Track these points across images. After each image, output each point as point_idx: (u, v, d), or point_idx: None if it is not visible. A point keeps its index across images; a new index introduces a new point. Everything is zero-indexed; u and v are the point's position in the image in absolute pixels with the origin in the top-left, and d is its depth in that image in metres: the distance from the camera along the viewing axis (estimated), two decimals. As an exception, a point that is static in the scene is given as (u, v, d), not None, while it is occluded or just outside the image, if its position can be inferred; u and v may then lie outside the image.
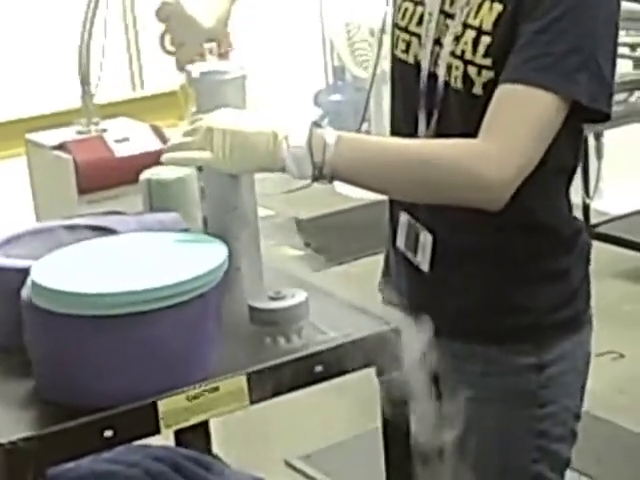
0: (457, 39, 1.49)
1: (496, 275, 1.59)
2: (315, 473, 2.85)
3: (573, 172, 1.62)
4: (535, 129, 1.42)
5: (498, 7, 1.45)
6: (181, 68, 1.61)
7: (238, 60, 1.60)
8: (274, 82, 4.18)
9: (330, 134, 1.42)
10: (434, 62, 1.54)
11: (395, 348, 1.43)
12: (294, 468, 2.87)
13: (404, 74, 1.62)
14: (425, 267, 1.62)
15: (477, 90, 1.48)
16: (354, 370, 1.41)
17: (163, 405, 1.28)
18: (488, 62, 1.46)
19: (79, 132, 3.64)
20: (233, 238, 1.47)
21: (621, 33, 3.50)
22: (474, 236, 1.57)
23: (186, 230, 1.49)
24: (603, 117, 1.47)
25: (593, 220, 3.89)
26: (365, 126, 5.13)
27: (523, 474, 1.63)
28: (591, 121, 1.52)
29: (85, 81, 3.72)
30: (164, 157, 1.44)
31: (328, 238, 4.15)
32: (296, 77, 4.76)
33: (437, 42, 1.53)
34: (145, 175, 1.67)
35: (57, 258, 1.38)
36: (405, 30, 1.58)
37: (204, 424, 1.83)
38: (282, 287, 1.46)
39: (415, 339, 1.50)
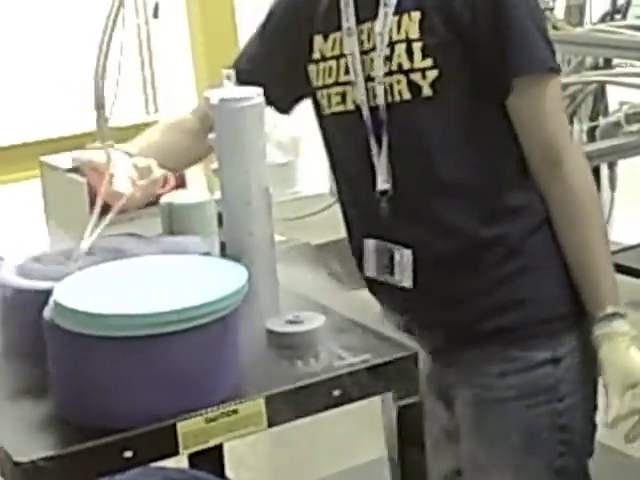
0: (389, 59, 1.57)
1: (494, 272, 1.62)
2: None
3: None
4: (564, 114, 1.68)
5: (416, 15, 1.55)
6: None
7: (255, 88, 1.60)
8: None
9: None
10: (373, 95, 1.61)
11: (413, 374, 1.44)
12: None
13: (344, 124, 1.67)
14: (408, 283, 1.64)
15: (427, 92, 1.55)
16: (372, 395, 1.42)
17: (182, 427, 1.28)
18: (429, 63, 1.54)
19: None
20: (250, 263, 1.47)
21: (635, 68, 3.54)
22: (460, 237, 1.61)
23: (206, 254, 1.50)
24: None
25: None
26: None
27: (549, 469, 1.64)
28: None
29: (100, 105, 3.74)
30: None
31: (342, 263, 4.15)
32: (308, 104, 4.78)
33: (369, 79, 1.61)
34: (165, 199, 1.68)
35: (79, 280, 1.39)
36: (335, 84, 1.65)
37: (218, 447, 1.83)
38: (300, 311, 1.47)
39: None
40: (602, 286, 1.58)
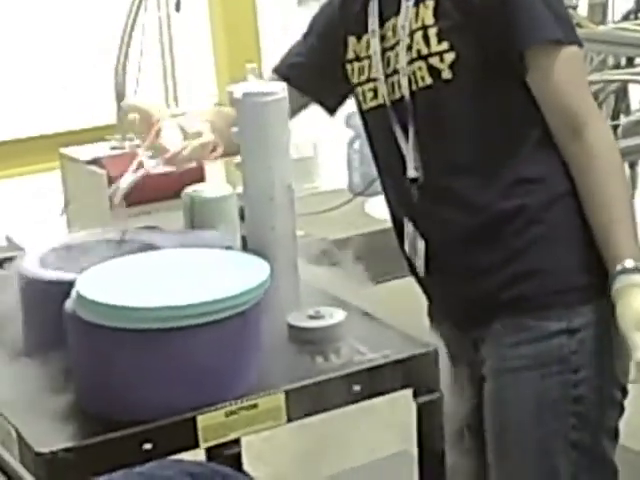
0: (410, 48, 1.63)
1: (508, 245, 1.64)
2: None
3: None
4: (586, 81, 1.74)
5: (431, 3, 1.61)
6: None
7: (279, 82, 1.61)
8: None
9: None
10: (398, 87, 1.67)
11: (433, 370, 1.44)
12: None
13: (378, 117, 1.74)
14: (421, 271, 1.73)
15: (446, 75, 1.60)
16: (391, 391, 1.42)
17: (202, 420, 1.29)
18: (445, 46, 1.59)
19: (113, 148, 3.67)
20: (272, 257, 1.47)
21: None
22: (482, 212, 1.65)
23: (228, 248, 1.51)
24: None
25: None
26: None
27: (564, 442, 1.65)
28: None
29: (120, 98, 3.75)
30: None
31: (360, 259, 4.16)
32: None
33: (395, 72, 1.68)
34: (187, 192, 1.69)
35: (102, 272, 1.40)
36: (367, 81, 1.72)
37: (236, 441, 1.84)
38: (320, 306, 1.47)
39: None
40: (623, 242, 1.58)
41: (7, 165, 3.85)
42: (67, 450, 1.23)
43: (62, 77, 4.59)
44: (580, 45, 1.64)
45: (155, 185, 3.46)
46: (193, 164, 3.44)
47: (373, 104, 1.74)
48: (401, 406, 1.48)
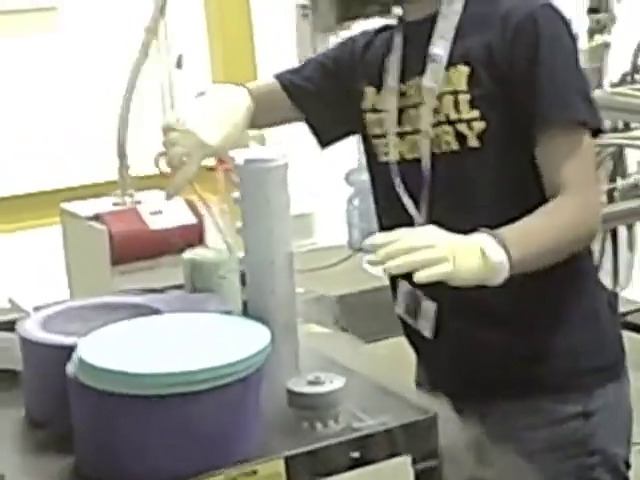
0: (437, 111, 1.59)
1: (524, 319, 1.62)
2: None
3: None
4: (593, 166, 1.60)
5: (465, 69, 1.58)
6: (173, 194, 1.67)
7: (279, 148, 1.63)
8: (307, 161, 4.24)
9: (505, 235, 1.48)
10: (416, 147, 1.64)
11: (432, 436, 1.44)
12: None
13: (389, 175, 1.69)
14: (428, 334, 1.66)
15: (473, 143, 1.57)
16: (390, 457, 1.42)
17: (202, 486, 1.29)
18: (476, 114, 1.56)
19: (115, 204, 3.69)
20: (271, 321, 1.48)
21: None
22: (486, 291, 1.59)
23: (228, 312, 1.52)
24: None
25: (622, 309, 3.87)
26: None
27: None
28: None
29: (122, 153, 3.78)
30: (419, 275, 1.42)
31: (357, 316, 4.17)
32: (328, 156, 4.81)
33: (415, 131, 1.64)
34: (188, 255, 1.70)
35: (103, 336, 1.41)
36: (383, 136, 1.69)
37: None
38: (320, 371, 1.48)
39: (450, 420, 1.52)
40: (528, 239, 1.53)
41: (8, 220, 3.86)
42: (66, 516, 1.24)
43: (63, 133, 4.62)
44: (602, 131, 1.62)
45: (151, 241, 3.51)
46: (194, 221, 3.45)
47: (384, 160, 1.71)
48: (400, 472, 1.49)
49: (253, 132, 1.62)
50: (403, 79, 1.66)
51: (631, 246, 3.48)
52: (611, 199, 3.13)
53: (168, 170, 1.67)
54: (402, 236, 1.43)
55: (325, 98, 1.77)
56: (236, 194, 1.54)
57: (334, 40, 4.93)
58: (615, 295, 1.72)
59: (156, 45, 4.43)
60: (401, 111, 1.66)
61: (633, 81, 3.42)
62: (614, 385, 1.62)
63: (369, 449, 1.40)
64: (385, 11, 1.74)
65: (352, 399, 1.46)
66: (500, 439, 1.61)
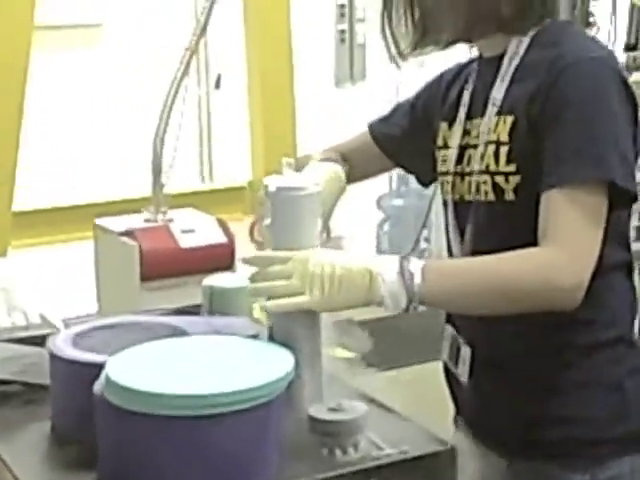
0: (482, 157, 1.56)
1: (540, 384, 1.56)
2: None
3: (627, 269, 1.60)
4: (588, 223, 1.46)
5: (510, 119, 1.53)
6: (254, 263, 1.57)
7: (311, 175, 1.63)
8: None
9: (417, 266, 1.46)
10: (468, 190, 1.60)
11: (449, 468, 1.45)
12: None
13: (449, 213, 1.68)
14: (464, 378, 1.64)
15: (509, 196, 1.53)
16: (408, 487, 1.44)
17: (222, 508, 1.31)
18: (512, 168, 1.52)
19: (147, 220, 3.72)
20: (296, 348, 1.49)
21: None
22: (514, 344, 1.57)
23: (254, 336, 1.53)
24: (632, 199, 1.50)
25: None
26: (425, 233, 5.18)
27: None
28: (622, 206, 1.52)
29: (157, 171, 3.82)
30: (270, 305, 1.46)
31: (380, 342, 4.17)
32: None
33: (469, 173, 1.60)
34: (207, 282, 1.72)
35: (131, 356, 1.43)
36: (446, 173, 1.65)
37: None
38: (341, 398, 1.49)
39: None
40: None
41: (40, 233, 3.91)
42: (88, 532, 1.26)
43: (100, 148, 4.67)
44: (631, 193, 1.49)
45: (181, 259, 3.54)
46: (225, 241, 3.46)
47: (448, 198, 1.67)
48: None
49: (287, 159, 1.63)
50: (470, 116, 1.63)
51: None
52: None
53: (260, 239, 1.68)
54: (275, 260, 1.47)
55: (416, 144, 1.74)
56: (267, 221, 1.56)
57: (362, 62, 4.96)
58: None
59: (196, 64, 4.49)
60: (464, 149, 1.62)
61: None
62: (632, 455, 1.56)
63: (388, 478, 1.41)
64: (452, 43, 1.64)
65: (373, 427, 1.47)
66: None
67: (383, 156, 1.80)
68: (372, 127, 1.82)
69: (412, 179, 6.07)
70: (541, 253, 1.46)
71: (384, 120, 1.82)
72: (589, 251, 1.46)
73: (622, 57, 3.59)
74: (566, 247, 1.44)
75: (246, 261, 1.52)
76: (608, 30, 3.52)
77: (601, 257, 1.48)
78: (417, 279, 1.44)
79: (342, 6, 4.96)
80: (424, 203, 4.79)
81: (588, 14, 3.23)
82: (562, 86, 1.48)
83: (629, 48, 3.71)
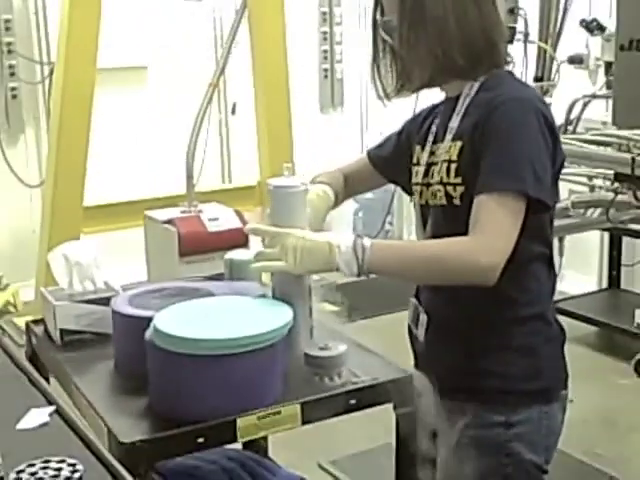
0: (439, 171, 1.53)
1: (473, 344, 1.52)
2: (340, 474, 2.84)
3: (546, 261, 1.55)
4: (505, 220, 1.42)
5: (459, 143, 1.51)
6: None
7: (302, 178, 1.61)
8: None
9: (366, 242, 1.44)
10: (430, 196, 1.56)
11: (408, 390, 1.46)
12: (325, 470, 2.87)
13: (417, 213, 1.65)
14: (421, 339, 1.60)
15: (457, 202, 1.50)
16: (378, 404, 1.45)
17: (240, 422, 1.32)
18: (459, 180, 1.49)
19: (183, 212, 3.72)
20: (293, 303, 1.48)
21: (581, 169, 3.52)
22: (456, 314, 1.53)
23: (262, 296, 1.52)
24: (545, 207, 1.47)
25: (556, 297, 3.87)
26: (389, 218, 5.17)
27: None
28: (538, 211, 1.47)
29: (189, 174, 3.81)
30: (255, 267, 1.46)
31: (358, 298, 4.18)
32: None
33: (431, 184, 1.56)
34: (227, 255, 1.71)
35: (173, 311, 1.43)
36: (416, 184, 1.62)
37: (264, 437, 1.84)
38: (328, 340, 1.49)
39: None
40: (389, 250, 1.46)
41: (104, 222, 3.89)
42: (143, 441, 1.26)
43: (147, 159, 4.65)
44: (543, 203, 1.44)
45: (209, 240, 3.55)
46: (241, 226, 3.43)
47: (417, 202, 1.63)
48: (385, 415, 1.50)
49: (286, 164, 1.60)
50: (435, 141, 1.59)
51: (561, 252, 3.48)
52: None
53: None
54: (266, 233, 1.48)
55: (401, 164, 1.69)
56: (267, 210, 1.55)
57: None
58: (562, 330, 1.58)
59: (217, 96, 4.47)
60: (430, 166, 1.59)
61: (566, 132, 3.42)
62: (540, 406, 1.50)
63: (363, 398, 1.42)
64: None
65: (351, 361, 1.48)
66: (447, 429, 1.56)
67: (376, 175, 1.76)
68: (369, 153, 1.78)
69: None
70: (467, 240, 1.43)
71: (378, 147, 1.78)
72: (504, 240, 1.42)
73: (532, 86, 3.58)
74: (486, 236, 1.41)
75: (248, 230, 1.51)
76: (520, 70, 3.51)
77: (523, 250, 1.46)
78: (367, 251, 1.43)
79: (325, 51, 4.95)
80: (388, 196, 4.78)
81: (507, 55, 3.26)
82: (494, 119, 1.45)
83: (537, 79, 3.71)
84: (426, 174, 1.59)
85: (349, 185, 1.75)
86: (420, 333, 1.59)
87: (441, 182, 1.52)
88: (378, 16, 1.57)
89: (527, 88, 1.56)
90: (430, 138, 1.60)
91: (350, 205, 5.10)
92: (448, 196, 1.51)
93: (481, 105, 1.50)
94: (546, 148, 1.47)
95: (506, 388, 1.50)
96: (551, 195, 1.48)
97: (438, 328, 1.56)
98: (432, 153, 1.59)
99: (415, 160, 1.64)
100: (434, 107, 1.67)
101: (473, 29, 1.51)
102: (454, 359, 1.53)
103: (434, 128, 1.61)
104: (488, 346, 1.51)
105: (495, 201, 1.42)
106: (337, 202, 1.72)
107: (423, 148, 1.62)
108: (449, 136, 1.54)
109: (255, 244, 1.63)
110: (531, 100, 1.49)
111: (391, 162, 1.74)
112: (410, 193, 1.71)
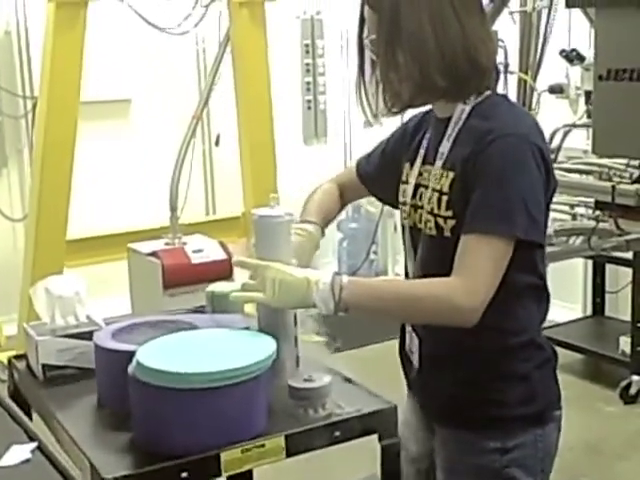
0: (429, 200, 1.52)
1: (466, 373, 1.52)
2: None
3: (537, 290, 1.54)
4: (490, 263, 1.41)
5: (451, 174, 1.47)
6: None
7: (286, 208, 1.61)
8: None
9: (344, 279, 1.43)
10: (419, 220, 1.55)
11: (393, 421, 1.45)
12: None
13: (406, 233, 1.63)
14: (416, 363, 1.60)
15: (447, 234, 1.48)
16: (363, 436, 1.44)
17: (224, 456, 1.31)
18: (450, 213, 1.47)
19: (167, 243, 3.72)
20: (278, 335, 1.48)
21: (562, 197, 3.55)
22: (450, 344, 1.52)
23: (247, 328, 1.53)
24: (538, 245, 1.47)
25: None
26: (374, 247, 5.18)
27: None
28: (530, 249, 1.46)
29: (173, 207, 3.81)
30: (234, 296, 1.48)
31: (345, 328, 4.17)
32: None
33: (420, 207, 1.56)
34: (209, 288, 1.71)
35: (156, 345, 1.42)
36: (404, 204, 1.60)
37: (249, 471, 1.83)
38: (313, 372, 1.49)
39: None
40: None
41: (85, 255, 3.88)
42: (125, 477, 1.25)
43: (130, 192, 4.66)
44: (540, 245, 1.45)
45: (193, 272, 3.54)
46: (225, 257, 3.42)
47: (405, 223, 1.61)
48: (370, 446, 1.50)
49: (272, 195, 1.59)
50: (424, 161, 1.55)
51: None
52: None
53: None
54: (248, 265, 1.48)
55: (386, 179, 1.67)
56: (253, 240, 1.55)
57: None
58: (554, 352, 1.58)
59: (200, 127, 4.48)
60: (418, 186, 1.55)
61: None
62: (536, 429, 1.51)
63: (347, 429, 1.42)
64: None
65: (336, 392, 1.47)
66: (443, 456, 1.57)
67: (363, 187, 1.74)
68: (358, 166, 1.75)
69: (364, 208, 6.06)
70: (448, 281, 1.42)
71: (367, 158, 1.74)
72: (487, 284, 1.40)
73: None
74: (468, 278, 1.40)
75: (234, 263, 1.52)
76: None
77: (513, 282, 1.45)
78: (344, 290, 1.42)
79: (308, 82, 4.99)
80: (372, 225, 4.80)
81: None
82: (488, 155, 1.41)
83: (518, 108, 3.73)
84: (414, 195, 1.56)
85: (343, 196, 1.75)
86: (414, 358, 1.58)
87: (432, 213, 1.50)
88: (365, 34, 1.50)
89: (523, 118, 1.50)
90: (419, 158, 1.57)
91: (335, 235, 5.12)
92: (438, 227, 1.50)
93: (474, 134, 1.45)
94: (541, 183, 1.44)
95: (502, 415, 1.50)
96: (545, 231, 1.46)
97: (430, 355, 1.56)
98: (420, 174, 1.56)
99: (404, 178, 1.61)
100: (423, 117, 1.63)
101: (454, 47, 1.43)
102: (447, 387, 1.53)
103: (424, 148, 1.56)
104: (481, 374, 1.51)
105: (481, 242, 1.40)
106: (329, 223, 1.71)
107: (412, 165, 1.59)
108: (439, 162, 1.50)
109: (240, 276, 1.62)
110: (527, 135, 1.44)
111: (377, 180, 1.72)
112: (396, 207, 1.68)
